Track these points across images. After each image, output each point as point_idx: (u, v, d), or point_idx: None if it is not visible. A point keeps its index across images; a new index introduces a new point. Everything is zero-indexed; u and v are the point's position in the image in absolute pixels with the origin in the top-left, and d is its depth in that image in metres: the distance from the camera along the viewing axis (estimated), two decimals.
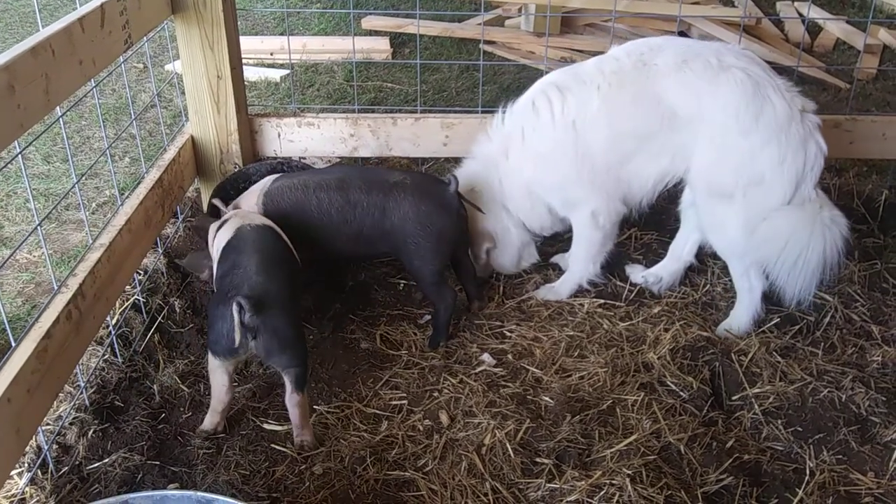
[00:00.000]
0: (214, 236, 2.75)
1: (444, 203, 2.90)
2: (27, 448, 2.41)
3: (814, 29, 6.42)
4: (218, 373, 2.51)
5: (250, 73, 5.46)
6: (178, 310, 3.15)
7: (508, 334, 3.05)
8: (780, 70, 2.95)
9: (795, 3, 6.92)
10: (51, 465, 2.44)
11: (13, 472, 2.38)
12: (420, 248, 2.88)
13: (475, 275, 3.22)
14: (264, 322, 2.36)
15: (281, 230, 2.74)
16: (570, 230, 3.27)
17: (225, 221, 2.74)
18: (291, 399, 2.49)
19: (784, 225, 2.82)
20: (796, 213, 2.83)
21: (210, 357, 2.51)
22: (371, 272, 3.41)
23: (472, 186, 3.17)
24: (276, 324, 2.39)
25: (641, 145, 2.95)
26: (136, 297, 3.10)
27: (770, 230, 2.83)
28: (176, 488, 2.38)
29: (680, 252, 3.33)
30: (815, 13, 6.61)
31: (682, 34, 6.03)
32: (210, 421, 2.59)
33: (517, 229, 3.26)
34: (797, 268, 2.83)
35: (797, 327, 3.07)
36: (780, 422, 2.65)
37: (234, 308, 2.29)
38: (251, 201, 2.96)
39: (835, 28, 6.31)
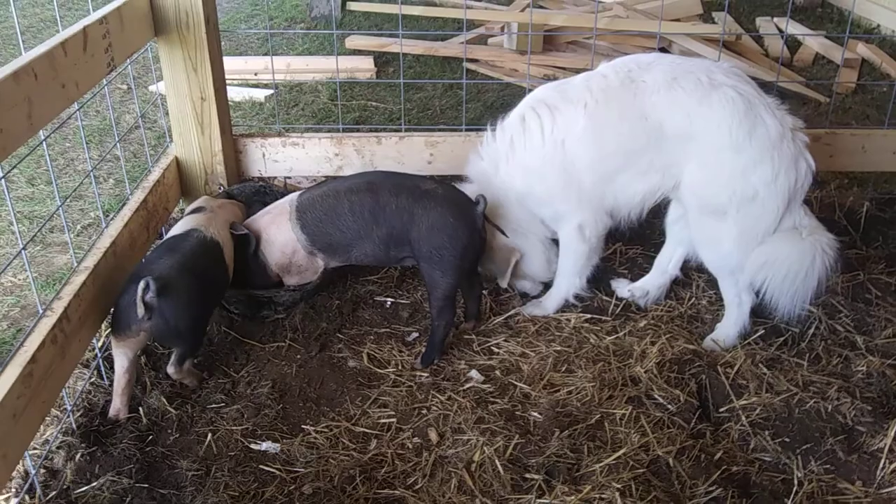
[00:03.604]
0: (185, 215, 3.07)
1: (471, 220, 2.93)
2: (14, 473, 2.40)
3: (793, 44, 6.51)
4: (117, 356, 2.67)
5: (234, 94, 5.47)
6: None
7: (496, 350, 3.06)
8: (760, 85, 2.99)
9: (775, 19, 7.02)
10: (38, 490, 2.42)
11: (0, 498, 2.36)
12: (443, 259, 2.89)
13: (482, 295, 3.24)
14: (160, 306, 2.58)
15: (228, 252, 2.94)
16: None
17: (196, 210, 3.06)
18: (170, 369, 2.75)
19: (786, 254, 2.86)
20: (797, 243, 2.88)
21: (112, 341, 2.68)
22: (357, 290, 3.41)
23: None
24: (171, 312, 2.61)
25: (628, 162, 2.97)
26: None
27: (771, 258, 2.87)
28: None
29: (665, 266, 3.35)
30: (795, 29, 6.69)
31: (662, 51, 6.09)
32: (112, 406, 2.71)
33: (537, 236, 3.28)
34: (796, 293, 2.89)
35: (782, 339, 3.09)
36: (767, 433, 2.66)
37: (141, 284, 2.53)
38: (283, 216, 3.05)
39: (814, 43, 6.39)
